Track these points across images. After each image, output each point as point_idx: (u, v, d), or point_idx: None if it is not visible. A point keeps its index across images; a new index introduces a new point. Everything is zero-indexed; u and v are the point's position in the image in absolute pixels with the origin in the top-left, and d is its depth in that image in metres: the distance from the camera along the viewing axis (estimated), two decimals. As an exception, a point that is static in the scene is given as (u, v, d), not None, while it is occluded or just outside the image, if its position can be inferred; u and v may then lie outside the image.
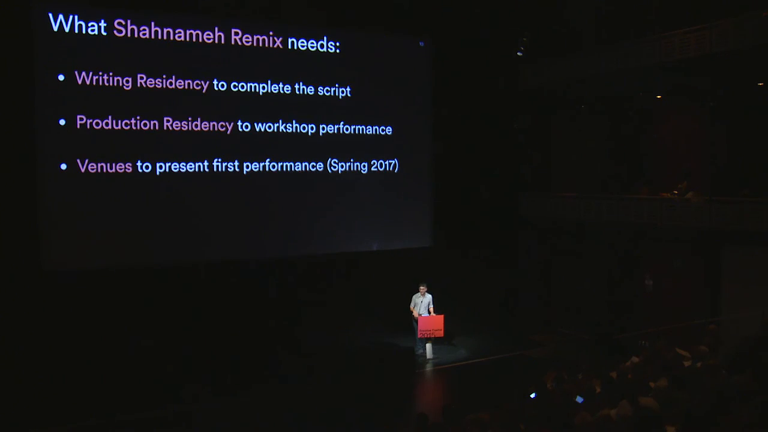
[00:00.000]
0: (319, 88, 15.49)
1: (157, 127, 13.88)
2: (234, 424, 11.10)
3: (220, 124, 14.46)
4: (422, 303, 14.48)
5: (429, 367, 14.12)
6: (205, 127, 14.33)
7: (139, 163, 13.70)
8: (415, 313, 14.43)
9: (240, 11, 14.58)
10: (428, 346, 14.38)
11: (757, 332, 9.30)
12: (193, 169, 14.21)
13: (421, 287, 14.52)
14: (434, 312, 14.42)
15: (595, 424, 6.16)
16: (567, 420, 6.41)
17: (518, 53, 18.10)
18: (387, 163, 16.44)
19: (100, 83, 13.32)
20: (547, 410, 6.97)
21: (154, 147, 13.86)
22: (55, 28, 12.94)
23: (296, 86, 15.26)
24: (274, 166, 15.08)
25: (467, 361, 14.39)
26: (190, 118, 14.16)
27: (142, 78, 13.69)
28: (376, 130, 16.25)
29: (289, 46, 15.20)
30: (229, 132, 14.58)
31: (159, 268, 13.94)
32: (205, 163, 14.37)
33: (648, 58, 14.56)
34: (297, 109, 15.27)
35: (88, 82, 13.21)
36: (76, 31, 13.12)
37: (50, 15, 12.89)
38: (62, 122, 13.02)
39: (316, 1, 15.15)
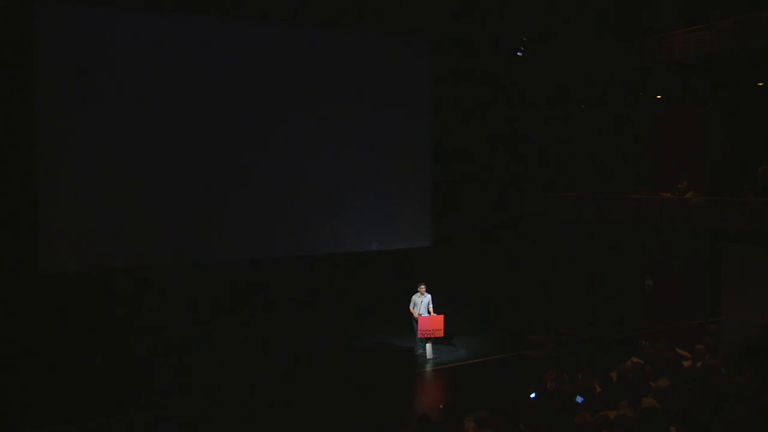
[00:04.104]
0: (318, 88, 15.49)
1: (157, 128, 13.88)
2: (234, 423, 11.09)
3: (220, 124, 14.46)
4: (422, 303, 14.48)
5: (429, 367, 14.11)
6: (206, 128, 14.33)
7: (138, 163, 13.70)
8: (415, 313, 14.42)
9: (240, 11, 14.55)
10: (428, 346, 14.38)
11: (757, 332, 9.29)
12: (192, 170, 14.20)
13: (421, 287, 14.52)
14: (434, 312, 14.42)
15: (595, 424, 6.16)
16: (567, 420, 6.42)
17: (518, 53, 18.09)
18: (387, 163, 16.43)
19: (101, 82, 13.32)
20: (547, 410, 6.98)
21: (154, 147, 13.86)
22: (56, 27, 12.94)
23: (296, 86, 15.25)
24: (272, 166, 15.07)
25: (467, 361, 14.39)
26: (190, 119, 14.16)
27: (143, 77, 13.69)
28: (375, 129, 16.24)
29: (289, 46, 15.20)
30: (228, 132, 14.58)
31: (158, 269, 13.95)
32: (205, 164, 14.36)
33: (648, 58, 14.56)
34: (297, 108, 15.27)
35: (88, 82, 13.21)
36: (77, 30, 13.12)
37: (51, 14, 12.88)
38: (62, 122, 13.02)
39: (316, 0, 15.13)
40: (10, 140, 12.56)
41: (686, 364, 8.37)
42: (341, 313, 15.37)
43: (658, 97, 16.43)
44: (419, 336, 14.32)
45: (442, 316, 14.30)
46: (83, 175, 13.27)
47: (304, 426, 10.94)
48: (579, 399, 7.31)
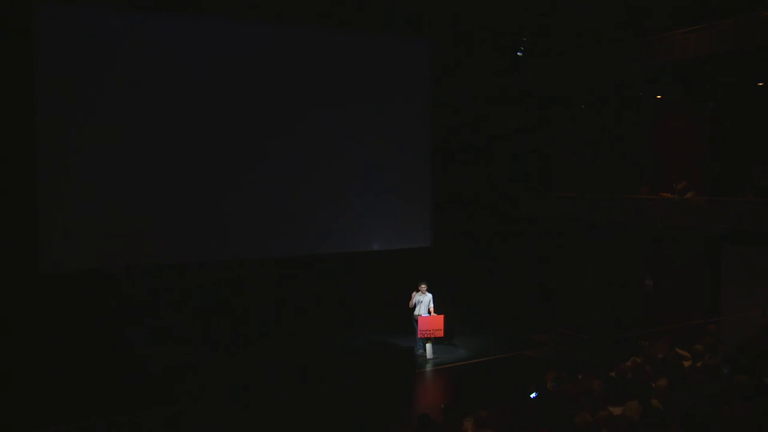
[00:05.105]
0: (318, 88, 15.47)
1: (157, 127, 13.87)
2: (233, 424, 11.10)
3: (220, 124, 14.45)
4: (423, 302, 14.49)
5: (429, 367, 14.12)
6: (205, 128, 14.32)
7: (139, 163, 13.70)
8: (415, 308, 14.43)
9: (241, 11, 14.55)
10: (428, 346, 14.39)
11: (757, 332, 9.29)
12: (192, 170, 14.20)
13: (422, 286, 14.53)
14: (435, 311, 14.42)
15: (595, 424, 6.16)
16: (567, 420, 6.42)
17: (518, 53, 18.10)
18: (387, 163, 16.42)
19: (101, 82, 13.32)
20: (547, 410, 6.98)
21: (155, 147, 13.86)
22: (56, 27, 12.94)
23: (296, 86, 15.24)
24: (273, 167, 15.06)
25: (467, 361, 14.40)
26: (191, 118, 14.16)
27: (143, 78, 13.69)
28: (375, 129, 16.23)
29: (289, 46, 15.19)
30: (228, 133, 14.56)
31: (158, 269, 13.95)
32: (205, 164, 14.35)
33: (648, 58, 14.56)
34: (297, 109, 15.25)
35: (88, 82, 13.21)
36: (77, 30, 13.11)
37: (50, 14, 12.88)
38: (62, 122, 13.02)
39: (316, 0, 15.13)
40: (10, 139, 12.56)
41: (686, 364, 8.38)
42: (341, 312, 15.36)
43: (658, 97, 16.43)
44: (419, 336, 14.33)
45: (442, 316, 14.31)
46: (83, 173, 13.26)
47: (304, 426, 10.94)
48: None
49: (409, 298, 14.61)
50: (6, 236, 12.51)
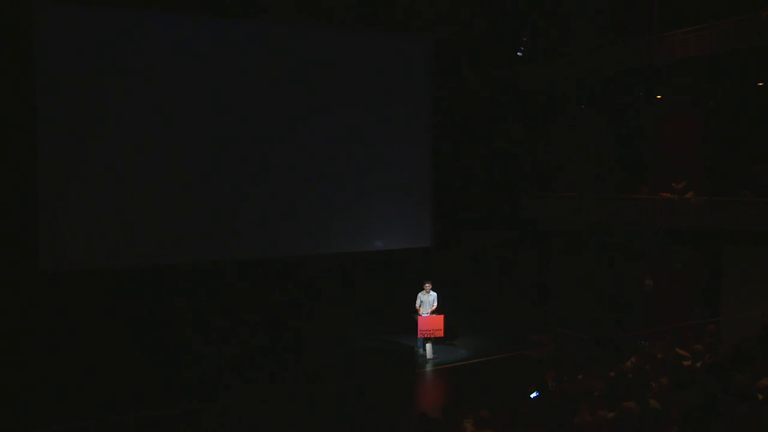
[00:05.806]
0: (319, 88, 15.48)
1: (158, 127, 13.88)
2: (234, 424, 11.09)
3: (220, 124, 14.45)
4: (427, 300, 14.50)
5: (429, 367, 14.12)
6: (206, 128, 14.32)
7: (139, 163, 13.70)
8: (421, 311, 14.44)
9: (241, 12, 14.55)
10: (428, 346, 14.38)
11: (757, 332, 9.29)
12: (193, 170, 14.20)
13: (426, 285, 14.53)
14: (437, 309, 14.42)
15: (595, 424, 6.16)
16: (567, 420, 6.42)
17: (518, 53, 18.08)
18: (387, 163, 16.42)
19: (102, 82, 13.32)
20: (547, 410, 6.98)
21: (155, 147, 13.86)
22: (56, 27, 12.94)
23: (296, 86, 15.24)
24: (273, 168, 15.06)
25: (467, 361, 14.39)
26: (191, 118, 14.16)
27: (143, 77, 13.69)
28: (376, 130, 16.23)
29: (289, 46, 15.19)
30: (228, 133, 14.57)
31: (158, 269, 13.95)
32: (205, 164, 14.35)
33: (648, 58, 14.56)
34: (297, 108, 15.26)
35: (88, 81, 13.21)
36: (77, 30, 13.12)
37: (50, 14, 12.88)
38: (62, 121, 13.02)
39: (317, 0, 15.13)
40: (10, 139, 12.57)
41: (686, 364, 8.38)
42: (341, 312, 15.36)
43: (658, 97, 16.43)
44: (419, 336, 14.32)
45: (442, 316, 14.30)
46: (84, 173, 13.27)
47: (304, 425, 10.94)
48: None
49: (414, 299, 14.57)
50: (6, 236, 12.51)
